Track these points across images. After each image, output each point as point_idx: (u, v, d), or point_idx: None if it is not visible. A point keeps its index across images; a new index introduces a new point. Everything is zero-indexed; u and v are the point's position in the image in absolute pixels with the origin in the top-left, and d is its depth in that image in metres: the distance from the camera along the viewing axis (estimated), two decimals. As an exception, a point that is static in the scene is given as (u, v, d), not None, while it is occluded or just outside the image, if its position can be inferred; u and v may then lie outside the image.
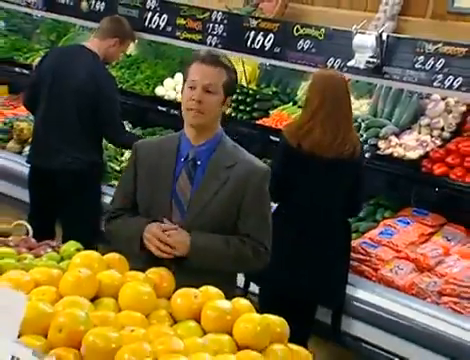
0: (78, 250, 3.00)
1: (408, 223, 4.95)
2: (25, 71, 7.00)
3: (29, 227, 3.62)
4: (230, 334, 2.43)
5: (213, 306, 2.51)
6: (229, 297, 2.65)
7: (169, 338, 2.28)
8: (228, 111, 5.68)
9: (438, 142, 5.02)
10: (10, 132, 6.64)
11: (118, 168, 5.89)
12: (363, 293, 4.37)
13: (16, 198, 5.75)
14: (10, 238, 3.38)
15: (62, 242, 3.49)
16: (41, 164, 5.25)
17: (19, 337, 2.28)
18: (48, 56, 5.53)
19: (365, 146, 5.01)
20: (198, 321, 2.51)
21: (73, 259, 2.75)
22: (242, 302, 2.62)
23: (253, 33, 5.16)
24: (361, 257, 4.61)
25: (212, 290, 2.66)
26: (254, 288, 4.51)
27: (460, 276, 4.29)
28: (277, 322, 2.54)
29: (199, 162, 3.18)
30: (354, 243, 4.68)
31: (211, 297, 2.60)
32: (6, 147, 6.56)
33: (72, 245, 3.07)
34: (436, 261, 4.55)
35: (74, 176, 5.01)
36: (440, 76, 4.37)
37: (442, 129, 5.10)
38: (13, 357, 1.85)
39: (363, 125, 5.15)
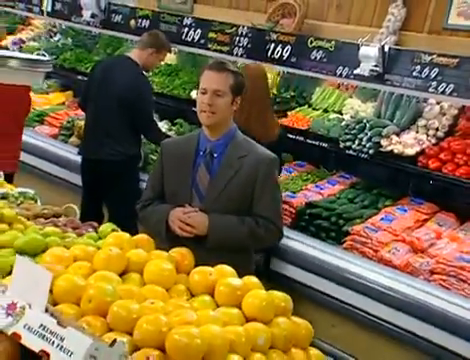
0: (113, 231, 2.96)
1: (405, 210, 4.90)
2: (86, 79, 6.99)
3: (77, 209, 3.60)
4: (239, 308, 2.40)
5: (225, 283, 2.47)
6: (245, 274, 2.62)
7: (184, 311, 2.24)
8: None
9: (433, 141, 4.96)
10: (72, 129, 6.73)
11: (158, 160, 5.88)
12: (364, 271, 4.28)
13: (75, 184, 5.76)
14: (60, 219, 3.37)
15: (109, 222, 3.51)
16: (89, 155, 5.33)
17: (56, 306, 2.28)
18: (98, 65, 5.59)
19: (369, 143, 4.96)
20: (212, 295, 2.47)
21: (106, 239, 2.74)
22: (252, 280, 2.58)
23: (273, 45, 5.15)
24: (363, 240, 4.53)
25: (226, 268, 2.62)
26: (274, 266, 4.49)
27: (449, 257, 4.22)
28: (282, 297, 2.52)
29: (215, 154, 3.17)
30: (357, 227, 4.62)
31: (224, 275, 2.56)
32: (68, 141, 6.66)
33: (108, 226, 3.03)
34: (429, 244, 4.49)
35: (115, 166, 5.07)
36: (434, 83, 4.33)
37: (437, 129, 5.03)
38: (41, 325, 1.80)
39: (368, 125, 5.05)
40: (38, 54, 4.17)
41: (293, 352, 2.37)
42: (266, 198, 3.20)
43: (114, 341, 1.76)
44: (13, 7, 8.03)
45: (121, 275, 2.51)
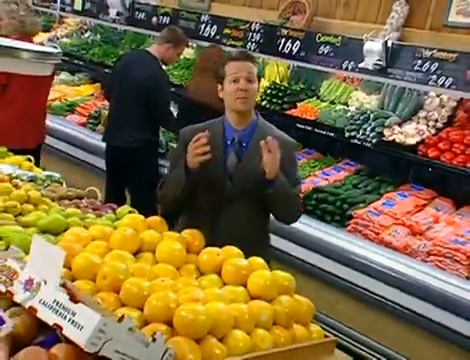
0: (130, 212, 2.92)
1: (406, 196, 4.82)
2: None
3: (98, 192, 3.56)
4: (245, 286, 2.35)
5: (232, 262, 2.43)
6: (261, 256, 2.57)
7: (192, 288, 2.21)
8: (264, 103, 5.59)
9: (432, 131, 4.86)
10: (99, 118, 6.75)
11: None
12: (366, 252, 4.24)
13: (101, 168, 5.73)
14: (83, 200, 3.33)
15: (130, 205, 3.46)
16: (111, 142, 5.33)
17: (74, 281, 2.25)
18: (121, 59, 5.57)
19: (372, 133, 4.88)
20: (219, 274, 2.43)
21: (122, 220, 2.70)
22: (257, 260, 2.52)
23: (284, 40, 5.08)
24: (366, 223, 4.47)
25: (233, 249, 2.56)
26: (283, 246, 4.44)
27: (445, 240, 4.17)
28: (285, 277, 2.47)
29: (244, 144, 3.06)
30: (360, 211, 4.56)
31: (231, 255, 2.51)
32: (96, 129, 6.66)
33: (125, 208, 3.00)
34: (427, 227, 4.43)
35: (134, 152, 5.04)
36: (434, 77, 4.24)
37: (436, 120, 4.93)
38: (55, 300, 1.76)
39: (372, 116, 4.97)
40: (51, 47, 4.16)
41: (295, 328, 2.33)
42: (291, 179, 3.06)
43: (122, 317, 1.72)
44: (48, 7, 8.03)
45: (135, 254, 2.47)
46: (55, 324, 1.73)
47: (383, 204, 4.66)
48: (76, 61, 7.69)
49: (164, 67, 5.32)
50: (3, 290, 1.91)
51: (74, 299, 1.74)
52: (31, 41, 4.81)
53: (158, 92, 4.99)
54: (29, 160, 3.99)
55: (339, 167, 5.38)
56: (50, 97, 7.33)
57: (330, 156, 5.60)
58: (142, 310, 2.06)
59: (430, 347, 3.90)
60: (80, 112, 7.04)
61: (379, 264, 4.11)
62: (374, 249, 4.25)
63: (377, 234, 4.37)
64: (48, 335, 1.82)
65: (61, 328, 1.72)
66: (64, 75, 8.23)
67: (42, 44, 8.05)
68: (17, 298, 1.86)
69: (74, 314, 1.70)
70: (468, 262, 4.00)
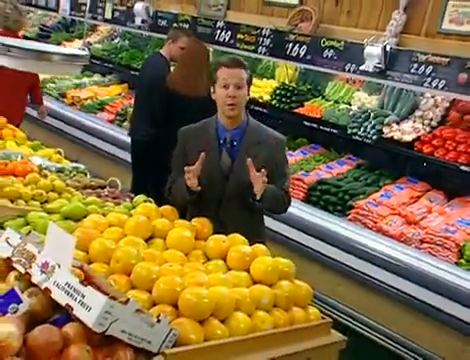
0: (145, 201, 2.84)
1: (402, 188, 4.71)
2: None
3: (119, 182, 3.49)
4: (248, 272, 2.29)
5: (236, 249, 2.37)
6: (258, 241, 2.51)
7: (198, 273, 2.15)
8: (273, 102, 5.51)
9: (427, 129, 4.73)
10: (125, 115, 6.68)
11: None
12: (365, 239, 4.15)
13: (127, 160, 5.63)
14: (105, 190, 3.28)
15: (150, 194, 3.35)
16: (131, 136, 5.29)
17: (90, 264, 2.20)
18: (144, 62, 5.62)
19: (373, 130, 4.77)
20: (225, 260, 2.37)
21: (136, 208, 2.63)
22: (260, 247, 2.46)
23: (291, 45, 4.94)
24: (365, 213, 4.36)
25: (238, 237, 2.50)
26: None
27: (437, 229, 4.07)
28: (286, 264, 2.39)
29: (235, 143, 2.94)
30: (360, 202, 4.45)
31: (236, 242, 2.45)
32: (122, 125, 6.61)
33: (141, 197, 2.93)
34: (420, 217, 4.31)
35: (148, 144, 4.94)
36: (429, 79, 4.11)
37: (431, 119, 4.81)
38: (67, 283, 1.72)
39: (372, 115, 4.85)
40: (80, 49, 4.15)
41: (294, 310, 2.27)
42: (281, 174, 3.01)
43: (128, 300, 1.65)
44: (83, 16, 7.98)
45: (148, 240, 2.41)
46: (67, 305, 1.69)
47: (381, 196, 4.55)
48: (106, 64, 7.64)
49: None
50: (23, 271, 1.88)
51: (85, 282, 1.68)
52: (16, 36, 4.93)
53: (151, 90, 4.86)
54: (59, 153, 3.96)
55: (342, 161, 5.27)
56: (83, 96, 7.40)
57: (334, 151, 5.48)
58: (151, 292, 2.00)
59: (422, 326, 3.81)
60: (109, 110, 7.00)
61: (377, 250, 4.02)
62: (372, 237, 4.16)
63: (375, 223, 4.26)
64: (62, 314, 1.77)
65: (72, 308, 1.67)
66: (96, 77, 8.21)
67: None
68: (34, 279, 1.82)
69: (83, 296, 1.65)
70: (457, 249, 3.92)
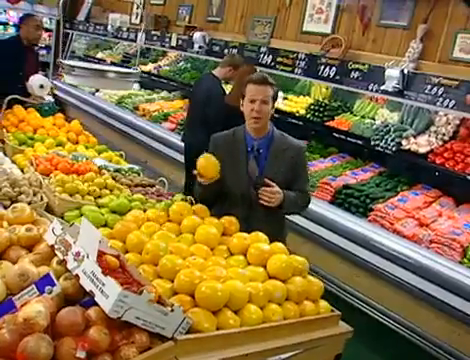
0: (182, 200, 2.68)
1: (417, 194, 4.41)
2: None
3: (166, 181, 3.34)
4: (265, 267, 2.09)
5: (256, 246, 2.18)
6: (278, 240, 2.30)
7: (217, 267, 1.96)
8: (308, 115, 5.32)
9: (440, 143, 4.43)
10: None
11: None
12: (382, 238, 3.88)
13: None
14: (153, 188, 3.14)
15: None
16: (184, 141, 5.21)
17: (126, 253, 2.07)
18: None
19: (392, 143, 4.51)
20: (245, 256, 2.18)
21: (172, 206, 2.45)
22: (278, 245, 2.24)
23: (323, 67, 4.71)
24: (383, 215, 4.08)
25: (259, 235, 2.28)
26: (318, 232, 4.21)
27: (445, 231, 3.78)
28: (300, 261, 2.18)
29: (261, 151, 2.72)
30: (380, 205, 4.17)
31: (257, 240, 2.24)
32: (181, 133, 6.37)
33: (179, 196, 2.78)
34: (432, 220, 4.01)
35: (196, 148, 4.72)
36: (440, 99, 3.83)
37: (443, 134, 4.50)
38: (92, 271, 1.60)
39: (392, 129, 4.59)
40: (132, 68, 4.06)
41: (305, 304, 2.07)
42: (304, 177, 2.81)
43: (142, 291, 1.49)
44: (154, 44, 7.96)
45: (179, 235, 2.26)
46: (90, 291, 1.57)
47: (398, 200, 4.27)
48: (172, 83, 7.62)
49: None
50: (61, 258, 1.77)
51: (104, 272, 1.54)
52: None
53: (209, 103, 4.75)
54: (121, 156, 3.86)
55: (366, 169, 5.00)
56: (152, 109, 7.36)
57: (359, 160, 5.22)
58: (173, 282, 1.85)
59: (429, 316, 3.58)
60: (172, 120, 6.90)
61: (390, 248, 3.77)
62: (388, 236, 3.90)
63: (392, 224, 3.99)
64: (91, 297, 1.64)
65: (94, 295, 1.53)
66: (163, 93, 8.16)
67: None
68: (69, 266, 1.71)
69: (104, 285, 1.52)
70: (461, 249, 3.64)
